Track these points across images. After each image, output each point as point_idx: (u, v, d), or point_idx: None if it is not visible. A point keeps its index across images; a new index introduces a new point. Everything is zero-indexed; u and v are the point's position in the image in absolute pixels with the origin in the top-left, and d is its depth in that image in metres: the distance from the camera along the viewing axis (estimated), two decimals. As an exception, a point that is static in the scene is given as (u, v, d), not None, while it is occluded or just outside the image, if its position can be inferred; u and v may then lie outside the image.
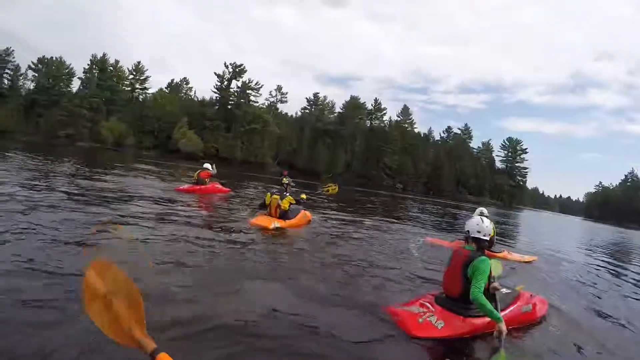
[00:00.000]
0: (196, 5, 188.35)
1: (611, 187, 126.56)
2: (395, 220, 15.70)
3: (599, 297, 7.50)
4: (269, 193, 10.18)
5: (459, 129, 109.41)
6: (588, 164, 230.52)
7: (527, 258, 9.14)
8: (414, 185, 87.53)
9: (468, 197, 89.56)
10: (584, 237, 28.18)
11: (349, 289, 5.47)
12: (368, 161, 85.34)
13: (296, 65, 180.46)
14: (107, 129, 63.11)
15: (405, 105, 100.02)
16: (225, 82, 75.21)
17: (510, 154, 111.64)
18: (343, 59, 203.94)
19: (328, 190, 14.98)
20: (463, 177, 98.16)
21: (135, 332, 2.11)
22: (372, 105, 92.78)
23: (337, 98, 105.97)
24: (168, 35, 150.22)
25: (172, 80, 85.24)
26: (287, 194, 10.07)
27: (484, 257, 4.15)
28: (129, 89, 77.42)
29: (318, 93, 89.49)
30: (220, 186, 16.43)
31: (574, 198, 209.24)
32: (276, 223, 9.38)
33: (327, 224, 11.52)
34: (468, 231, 4.45)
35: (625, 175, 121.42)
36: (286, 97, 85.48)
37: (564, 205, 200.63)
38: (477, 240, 4.40)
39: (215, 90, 75.58)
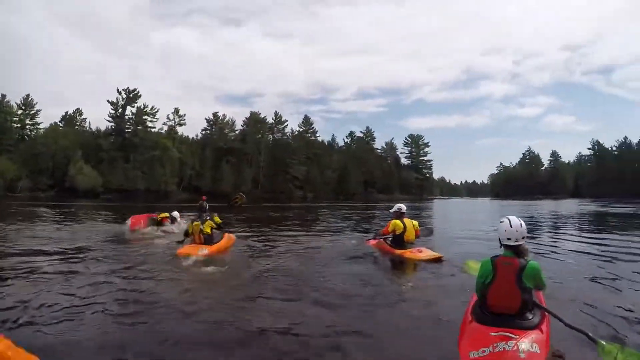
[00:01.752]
0: (96, 38, 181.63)
1: (512, 166, 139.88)
2: (315, 232, 15.93)
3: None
4: (190, 222, 10.28)
5: (361, 132, 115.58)
6: (487, 149, 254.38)
7: (434, 255, 8.81)
8: (324, 193, 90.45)
9: (378, 196, 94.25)
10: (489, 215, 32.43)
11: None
12: (275, 175, 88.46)
13: (197, 87, 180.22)
14: (-5, 171, 60.10)
15: (306, 115, 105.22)
16: (120, 110, 74.75)
17: (413, 149, 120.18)
18: (243, 77, 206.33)
19: (237, 201, 14.56)
20: (370, 177, 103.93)
21: None
22: (272, 118, 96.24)
23: (239, 116, 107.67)
24: (64, 68, 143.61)
25: (66, 112, 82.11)
26: (208, 218, 10.15)
27: (532, 261, 4.05)
28: (18, 125, 73.66)
29: (217, 112, 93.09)
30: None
31: (478, 181, 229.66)
32: (204, 249, 9.33)
33: (250, 244, 11.62)
34: (509, 239, 4.13)
35: (523, 154, 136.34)
36: (184, 120, 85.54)
37: (471, 190, 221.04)
38: (514, 246, 4.14)
39: (110, 119, 75.02)
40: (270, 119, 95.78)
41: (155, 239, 12.51)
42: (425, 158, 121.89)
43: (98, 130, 77.22)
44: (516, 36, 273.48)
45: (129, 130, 74.49)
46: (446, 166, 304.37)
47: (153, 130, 77.08)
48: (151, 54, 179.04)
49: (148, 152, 70.84)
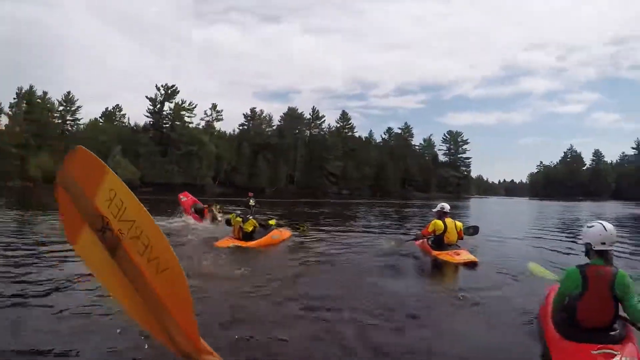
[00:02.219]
0: (139, 36, 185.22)
1: (552, 166, 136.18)
2: (353, 230, 15.64)
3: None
4: (233, 213, 10.39)
5: (399, 128, 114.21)
6: (527, 147, 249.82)
7: (469, 259, 8.47)
8: (360, 190, 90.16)
9: (415, 194, 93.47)
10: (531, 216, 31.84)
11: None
12: (311, 171, 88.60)
13: (236, 83, 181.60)
14: (35, 166, 61.66)
15: (343, 111, 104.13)
16: (158, 105, 76.03)
17: (452, 146, 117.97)
18: (282, 73, 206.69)
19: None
20: (408, 175, 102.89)
21: (180, 324, 1.81)
22: (310, 114, 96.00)
23: (277, 112, 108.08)
24: (110, 68, 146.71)
25: (106, 108, 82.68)
26: (250, 217, 10.15)
27: (622, 271, 3.75)
28: (59, 121, 74.91)
29: (255, 108, 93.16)
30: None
31: (517, 180, 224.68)
32: (233, 244, 9.54)
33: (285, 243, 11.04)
34: (590, 244, 3.89)
35: (565, 152, 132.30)
36: (221, 115, 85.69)
37: (509, 189, 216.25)
38: (605, 252, 3.86)
39: (148, 115, 76.35)
40: (307, 115, 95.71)
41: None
42: (464, 155, 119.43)
43: (137, 125, 78.01)
44: (560, 30, 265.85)
45: (167, 125, 75.62)
46: (484, 164, 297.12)
47: (190, 125, 78.02)
48: (192, 51, 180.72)
49: (185, 146, 72.05)
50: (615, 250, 9.53)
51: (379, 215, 25.83)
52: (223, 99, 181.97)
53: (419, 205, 40.57)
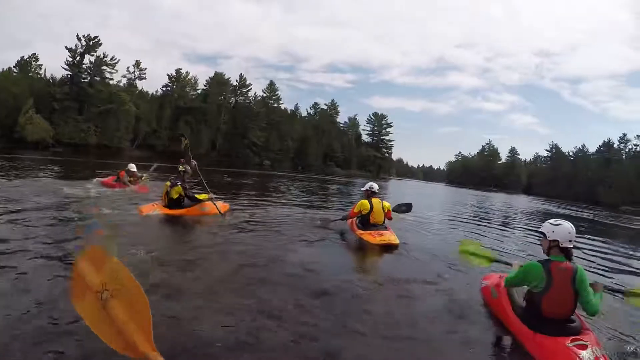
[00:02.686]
0: None
1: (470, 156, 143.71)
2: (277, 204, 15.39)
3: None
4: (168, 181, 10.12)
5: (325, 104, 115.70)
6: (448, 137, 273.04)
7: (385, 241, 8.41)
8: (282, 162, 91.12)
9: (336, 170, 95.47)
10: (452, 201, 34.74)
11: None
12: (234, 139, 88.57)
13: (165, 43, 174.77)
14: None
15: (271, 81, 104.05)
16: (78, 58, 71.07)
17: (376, 128, 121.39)
18: (214, 37, 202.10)
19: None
20: (330, 151, 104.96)
21: (139, 343, 1.85)
22: (237, 81, 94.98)
23: (204, 77, 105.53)
24: (27, 8, 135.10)
25: (22, 57, 77.12)
26: (179, 184, 9.86)
27: (580, 267, 4.08)
28: None
29: (180, 69, 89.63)
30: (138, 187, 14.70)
31: (435, 167, 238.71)
32: (157, 211, 9.48)
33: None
34: (557, 241, 4.10)
35: (483, 146, 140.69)
36: (144, 73, 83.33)
37: (427, 173, 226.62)
38: (568, 249, 4.12)
39: (66, 67, 71.01)
40: (234, 81, 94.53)
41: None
42: (387, 138, 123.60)
43: (53, 78, 73.03)
44: (493, 35, 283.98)
45: (86, 80, 71.34)
46: (405, 148, 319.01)
47: (111, 82, 74.25)
48: (123, 2, 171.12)
49: (103, 104, 68.66)
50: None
51: (304, 190, 25.94)
52: (150, 57, 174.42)
53: (344, 183, 42.00)
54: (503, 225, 17.31)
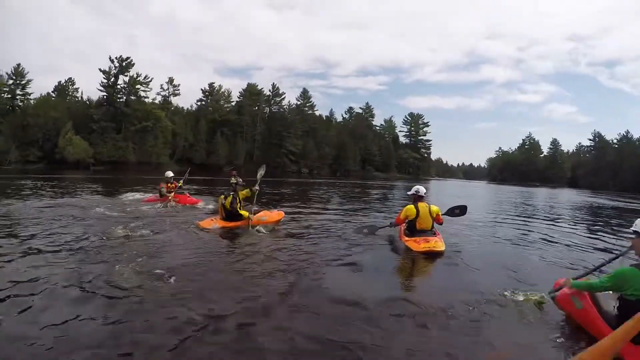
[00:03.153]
0: (92, 4, 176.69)
1: (510, 152, 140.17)
2: (322, 212, 15.10)
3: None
4: (221, 194, 10.32)
5: (360, 108, 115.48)
6: (486, 133, 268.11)
7: (429, 248, 7.98)
8: (320, 169, 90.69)
9: (375, 174, 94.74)
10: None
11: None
12: (270, 149, 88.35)
13: (195, 58, 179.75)
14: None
15: (304, 88, 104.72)
16: (112, 79, 72.39)
17: (412, 128, 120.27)
18: (243, 49, 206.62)
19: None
20: (368, 155, 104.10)
21: None
22: (270, 90, 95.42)
23: (237, 89, 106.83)
24: (59, 36, 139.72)
25: (59, 82, 79.70)
26: (232, 194, 10.12)
27: None
28: (8, 96, 70.28)
29: (214, 83, 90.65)
30: (187, 197, 15.12)
31: (475, 164, 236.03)
32: (216, 225, 9.74)
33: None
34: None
35: (523, 140, 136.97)
36: (178, 90, 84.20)
37: (468, 172, 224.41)
38: None
39: (102, 88, 72.30)
40: (267, 91, 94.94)
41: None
42: (424, 138, 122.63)
43: (89, 100, 74.88)
44: (522, 23, 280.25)
45: (122, 100, 72.63)
46: (444, 147, 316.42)
47: (146, 100, 75.34)
48: (149, 22, 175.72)
49: (140, 122, 69.74)
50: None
51: (345, 197, 25.57)
52: (182, 73, 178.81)
53: (385, 187, 41.23)
54: (552, 221, 16.42)
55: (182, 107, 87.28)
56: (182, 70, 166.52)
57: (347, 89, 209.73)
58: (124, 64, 72.99)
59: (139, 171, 52.11)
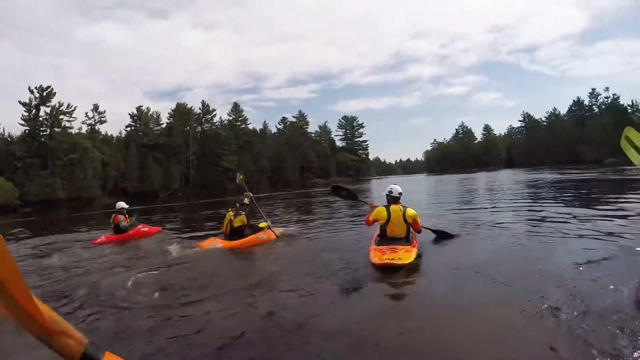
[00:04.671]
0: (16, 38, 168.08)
1: (446, 142, 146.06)
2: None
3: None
4: (229, 211, 10.33)
5: (293, 116, 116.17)
6: (420, 127, 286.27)
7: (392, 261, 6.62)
8: (259, 183, 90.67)
9: (316, 181, 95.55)
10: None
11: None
12: (206, 168, 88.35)
13: (125, 83, 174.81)
14: None
15: (235, 102, 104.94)
16: (33, 111, 69.96)
17: (348, 131, 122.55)
18: (172, 71, 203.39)
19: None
20: (306, 162, 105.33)
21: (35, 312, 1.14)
22: (200, 108, 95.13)
23: (168, 111, 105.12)
24: None
25: None
26: (242, 213, 10.16)
27: None
28: None
29: (141, 106, 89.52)
30: (147, 227, 14.02)
31: (413, 159, 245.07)
32: (218, 244, 9.50)
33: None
34: None
35: (456, 129, 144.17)
36: (104, 117, 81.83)
37: (406, 167, 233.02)
38: None
39: (23, 122, 69.91)
40: (197, 110, 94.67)
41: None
42: (361, 139, 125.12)
43: (11, 136, 72.43)
44: (443, 20, 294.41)
45: (45, 133, 70.33)
46: (380, 147, 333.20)
47: (71, 130, 72.92)
48: (76, 50, 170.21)
49: (66, 155, 67.28)
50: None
51: (294, 208, 25.39)
52: (111, 100, 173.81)
53: (328, 193, 40.64)
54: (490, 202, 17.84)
55: (112, 135, 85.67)
56: (113, 97, 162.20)
57: (279, 100, 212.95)
58: (44, 93, 70.63)
59: (71, 208, 50.77)
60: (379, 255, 6.75)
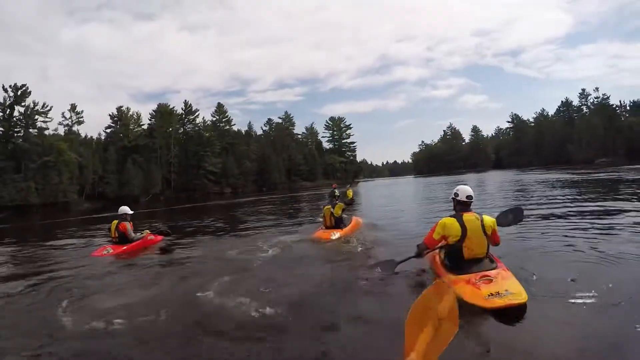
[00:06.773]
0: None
1: (433, 144, 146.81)
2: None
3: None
4: (325, 207, 11.41)
5: (279, 118, 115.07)
6: (407, 130, 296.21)
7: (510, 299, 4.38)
8: (244, 186, 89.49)
9: (303, 184, 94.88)
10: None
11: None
12: (188, 171, 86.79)
13: (111, 86, 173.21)
14: None
15: (219, 103, 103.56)
16: (7, 110, 67.35)
17: (335, 132, 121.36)
18: (158, 73, 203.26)
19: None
20: (293, 165, 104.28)
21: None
22: (182, 109, 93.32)
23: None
24: None
25: None
26: (337, 202, 11.37)
27: None
28: None
29: (122, 107, 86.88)
30: (153, 236, 12.06)
31: (400, 161, 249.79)
32: (337, 233, 10.39)
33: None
34: None
35: (444, 131, 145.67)
36: (82, 117, 79.01)
37: (393, 169, 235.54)
38: None
39: None
40: (179, 110, 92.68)
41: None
42: (348, 140, 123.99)
43: None
44: (429, 24, 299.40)
45: (20, 134, 67.99)
46: (367, 149, 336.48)
47: (46, 132, 70.63)
48: (61, 52, 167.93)
49: (40, 158, 64.39)
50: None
51: (286, 214, 23.10)
52: (95, 102, 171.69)
53: (317, 196, 39.97)
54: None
55: (91, 137, 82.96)
56: (96, 99, 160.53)
57: (265, 104, 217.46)
58: (19, 92, 68.17)
59: (45, 215, 48.99)
60: (479, 293, 4.64)
